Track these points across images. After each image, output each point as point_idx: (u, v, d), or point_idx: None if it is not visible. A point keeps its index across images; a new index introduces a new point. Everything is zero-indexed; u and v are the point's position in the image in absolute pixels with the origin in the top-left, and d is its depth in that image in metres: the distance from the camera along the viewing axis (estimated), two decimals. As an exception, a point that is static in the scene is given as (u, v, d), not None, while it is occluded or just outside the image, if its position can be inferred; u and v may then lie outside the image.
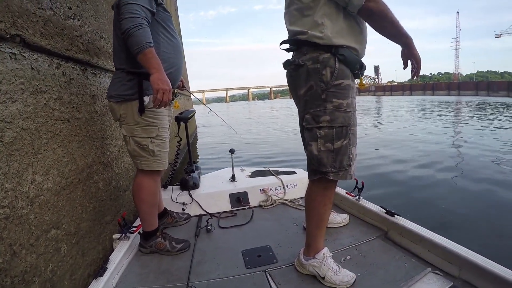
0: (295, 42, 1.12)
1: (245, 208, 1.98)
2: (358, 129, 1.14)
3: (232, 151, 2.35)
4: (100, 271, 1.18)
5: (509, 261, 1.07)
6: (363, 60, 1.12)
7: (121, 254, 1.35)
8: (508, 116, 10.77)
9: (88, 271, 1.26)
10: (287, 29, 1.17)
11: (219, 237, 1.63)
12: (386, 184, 3.48)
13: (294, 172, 2.32)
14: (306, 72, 1.07)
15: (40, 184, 1.01)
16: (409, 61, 1.07)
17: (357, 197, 1.74)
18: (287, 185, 2.15)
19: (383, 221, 1.52)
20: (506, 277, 0.98)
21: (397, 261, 1.25)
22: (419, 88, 54.84)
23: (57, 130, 1.16)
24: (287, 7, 1.16)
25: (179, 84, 1.59)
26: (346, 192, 1.86)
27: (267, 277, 1.23)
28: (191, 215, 1.90)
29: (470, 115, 12.20)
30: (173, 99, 1.49)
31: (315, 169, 1.10)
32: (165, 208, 1.81)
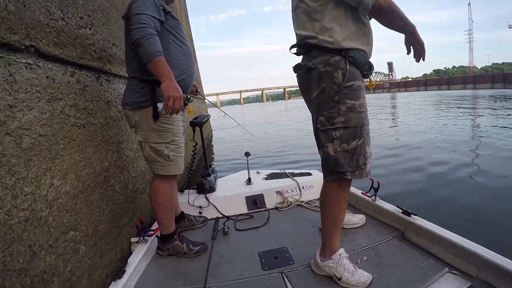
0: (304, 46, 1.14)
1: (261, 210, 1.99)
2: (373, 127, 1.15)
3: (247, 154, 2.37)
4: (118, 273, 1.21)
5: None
6: (371, 59, 1.16)
7: (139, 257, 1.38)
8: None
9: (106, 272, 1.29)
10: (296, 33, 1.18)
11: (236, 239, 1.64)
12: (403, 182, 3.39)
13: (309, 174, 2.32)
14: (318, 75, 1.08)
15: (58, 187, 1.05)
16: (411, 47, 1.14)
17: (373, 197, 1.73)
18: (303, 187, 2.15)
19: (400, 221, 1.50)
20: None
21: (414, 261, 1.24)
22: (434, 83, 53.79)
23: (73, 136, 1.20)
24: (294, 10, 1.17)
25: (193, 89, 1.61)
26: (362, 193, 1.84)
27: (283, 278, 1.23)
28: (208, 218, 1.93)
29: (487, 108, 11.59)
30: (186, 105, 1.51)
31: (332, 169, 1.11)
32: (182, 212, 1.83)
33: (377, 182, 1.67)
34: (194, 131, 2.19)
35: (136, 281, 1.29)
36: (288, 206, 2.01)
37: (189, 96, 1.52)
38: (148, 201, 1.95)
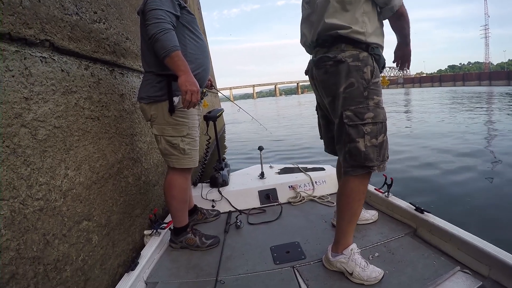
0: (330, 37, 1.12)
1: (274, 205, 1.99)
2: (388, 123, 1.20)
3: (260, 148, 2.37)
4: (131, 265, 1.24)
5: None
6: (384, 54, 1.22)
7: (152, 249, 1.41)
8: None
9: (117, 261, 1.32)
10: (323, 21, 1.11)
11: (248, 233, 1.65)
12: (416, 179, 3.31)
13: (322, 169, 2.29)
14: (347, 69, 1.08)
15: (72, 178, 1.08)
16: (401, 56, 1.27)
17: (386, 193, 1.69)
18: (315, 182, 2.13)
19: (412, 218, 1.47)
20: None
21: (426, 259, 1.23)
22: (448, 79, 51.64)
23: (87, 128, 1.23)
24: None
25: (207, 83, 1.61)
26: (375, 189, 1.80)
27: (295, 273, 1.23)
28: (221, 211, 1.94)
29: (504, 106, 10.94)
30: (202, 98, 1.51)
31: (359, 164, 1.11)
32: (195, 205, 1.85)
33: (391, 178, 1.65)
34: (207, 125, 2.20)
35: (148, 273, 1.31)
36: (301, 201, 2.00)
37: (204, 90, 1.52)
38: (160, 194, 1.99)
